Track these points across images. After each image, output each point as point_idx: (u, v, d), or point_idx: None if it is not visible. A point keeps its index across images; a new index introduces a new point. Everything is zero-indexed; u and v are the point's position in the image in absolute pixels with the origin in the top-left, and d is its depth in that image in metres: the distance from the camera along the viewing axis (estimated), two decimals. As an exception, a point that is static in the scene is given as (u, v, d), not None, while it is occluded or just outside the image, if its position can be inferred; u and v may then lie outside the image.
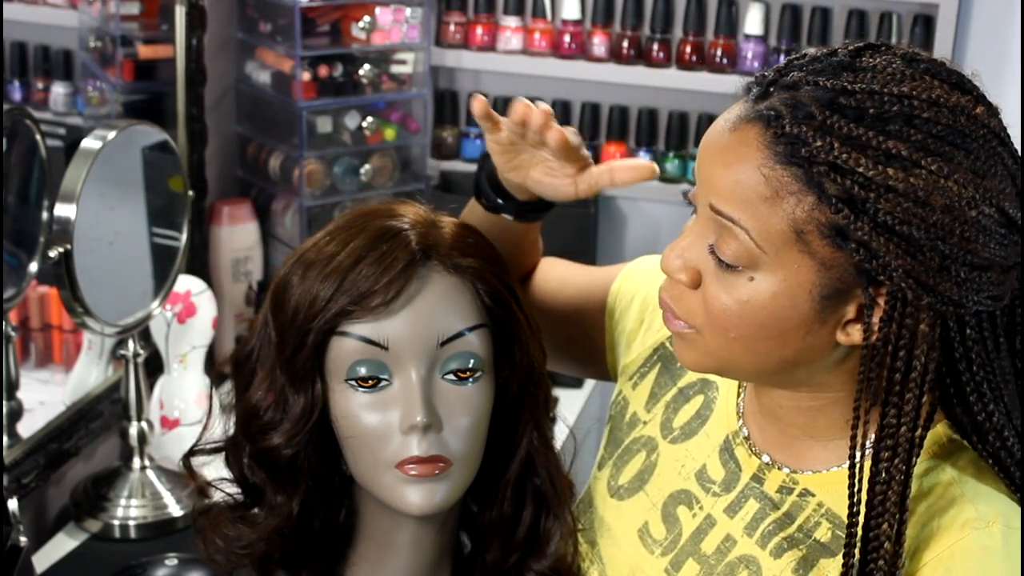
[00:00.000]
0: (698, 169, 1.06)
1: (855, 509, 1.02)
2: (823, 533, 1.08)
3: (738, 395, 1.19)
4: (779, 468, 1.13)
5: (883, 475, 1.01)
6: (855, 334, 1.02)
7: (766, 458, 1.14)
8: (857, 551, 1.02)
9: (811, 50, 1.05)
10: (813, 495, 1.10)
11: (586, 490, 1.28)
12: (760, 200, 0.99)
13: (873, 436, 1.05)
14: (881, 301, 1.00)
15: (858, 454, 1.03)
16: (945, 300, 0.99)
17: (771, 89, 1.02)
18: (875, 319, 1.00)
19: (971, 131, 0.99)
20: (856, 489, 1.02)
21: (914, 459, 1.02)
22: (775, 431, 1.13)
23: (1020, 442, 1.06)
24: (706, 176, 1.04)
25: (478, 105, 1.20)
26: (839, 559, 1.06)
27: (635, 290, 1.30)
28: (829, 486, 1.09)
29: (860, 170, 0.96)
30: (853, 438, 1.03)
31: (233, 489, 1.17)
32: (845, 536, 1.03)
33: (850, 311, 1.02)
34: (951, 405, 1.07)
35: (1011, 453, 1.06)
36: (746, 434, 1.16)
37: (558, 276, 1.29)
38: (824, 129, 0.98)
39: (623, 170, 1.21)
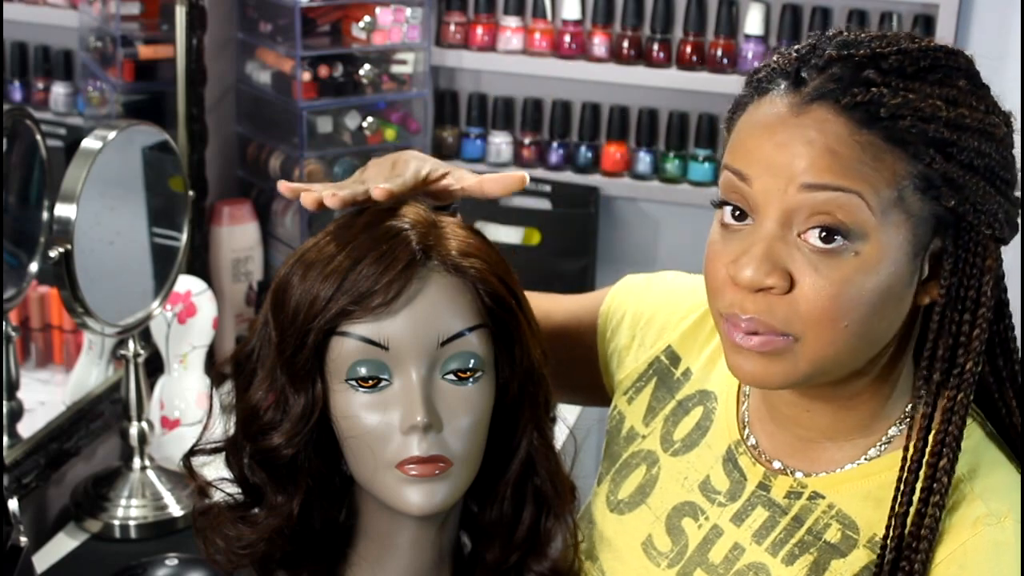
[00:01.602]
0: (763, 159, 1.01)
1: (914, 452, 1.04)
2: (833, 534, 1.08)
3: (739, 404, 1.18)
4: (788, 474, 1.12)
5: (943, 414, 1.03)
6: (932, 290, 1.04)
7: (776, 464, 1.13)
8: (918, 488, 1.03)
9: (799, 45, 1.06)
10: (823, 497, 1.10)
11: (585, 506, 1.27)
12: (863, 165, 0.98)
13: (893, 430, 1.08)
14: (955, 248, 1.02)
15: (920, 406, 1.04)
16: (1010, 224, 1.04)
17: (803, 75, 1.02)
18: (948, 264, 1.03)
19: (976, 72, 1.05)
20: (921, 435, 1.04)
21: (971, 397, 1.04)
22: (789, 437, 1.13)
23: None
24: (784, 161, 1.00)
25: (285, 190, 1.16)
26: (850, 559, 1.06)
27: (624, 308, 1.29)
28: (840, 486, 1.09)
29: (941, 115, 0.99)
30: (922, 385, 1.04)
31: (233, 489, 1.17)
32: (903, 472, 1.03)
33: (925, 269, 1.03)
34: (993, 353, 1.09)
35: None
36: (753, 443, 1.15)
37: (541, 311, 1.26)
38: (891, 87, 0.99)
39: (492, 182, 1.18)
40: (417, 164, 1.16)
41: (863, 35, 1.04)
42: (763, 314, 1.01)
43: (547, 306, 1.30)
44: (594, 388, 1.32)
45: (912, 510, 1.02)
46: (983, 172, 1.01)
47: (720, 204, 1.05)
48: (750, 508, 1.13)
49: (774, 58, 1.06)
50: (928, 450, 1.03)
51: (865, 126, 0.99)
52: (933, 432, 1.03)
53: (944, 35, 2.35)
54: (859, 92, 0.99)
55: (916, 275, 1.03)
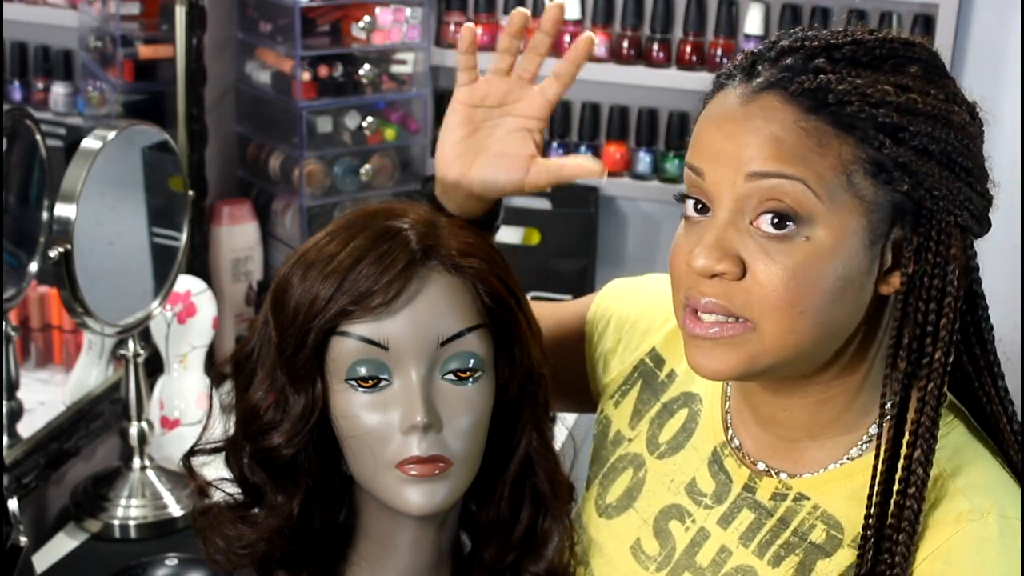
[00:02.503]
0: (714, 151, 1.03)
1: (886, 445, 1.03)
2: (818, 535, 1.08)
3: (723, 405, 1.18)
4: (772, 475, 1.12)
5: (915, 405, 1.02)
6: (894, 280, 1.03)
7: (761, 466, 1.13)
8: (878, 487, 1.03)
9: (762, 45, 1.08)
10: (808, 498, 1.10)
11: (575, 511, 1.26)
12: (808, 151, 0.99)
13: (873, 428, 1.07)
14: (916, 236, 1.02)
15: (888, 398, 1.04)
16: (975, 215, 1.03)
17: (757, 67, 1.03)
18: (911, 253, 1.02)
19: (940, 62, 1.05)
20: (892, 425, 1.03)
21: (945, 388, 1.03)
22: (771, 438, 1.13)
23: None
24: (731, 151, 1.01)
25: (468, 34, 1.22)
26: (836, 559, 1.06)
27: (610, 312, 1.30)
28: (824, 486, 1.09)
29: (890, 99, 0.99)
30: (888, 375, 1.03)
31: (233, 489, 1.17)
32: (879, 472, 1.03)
33: (887, 258, 1.03)
34: (970, 342, 1.09)
35: (1008, 401, 1.10)
36: (737, 444, 1.15)
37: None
38: (839, 74, 1.00)
39: (572, 167, 1.21)
40: None
41: (825, 31, 1.05)
42: (720, 297, 1.02)
43: (536, 314, 1.30)
44: (584, 394, 1.32)
45: (892, 502, 1.02)
46: (938, 157, 1.00)
47: (682, 198, 1.06)
48: (736, 510, 1.13)
49: (738, 56, 1.08)
50: (904, 441, 1.02)
51: (812, 112, 0.99)
52: (908, 424, 1.03)
53: (944, 35, 2.36)
54: (807, 79, 1.00)
55: (876, 263, 1.02)
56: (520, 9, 1.21)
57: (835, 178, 0.99)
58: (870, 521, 1.02)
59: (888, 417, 1.03)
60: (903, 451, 1.02)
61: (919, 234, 1.02)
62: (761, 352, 1.02)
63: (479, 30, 2.58)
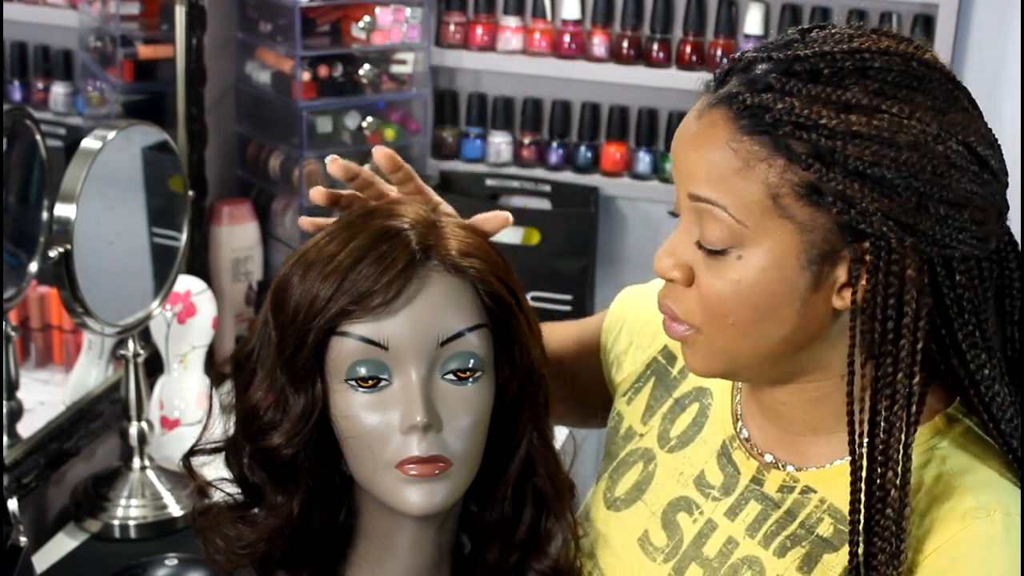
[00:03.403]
0: (674, 166, 1.07)
1: (857, 471, 1.03)
2: (825, 528, 1.08)
3: (733, 398, 1.19)
4: (780, 467, 1.13)
5: (883, 425, 1.02)
6: (848, 296, 1.03)
7: (768, 458, 1.14)
8: (862, 507, 1.02)
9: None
10: (815, 491, 1.10)
11: (584, 504, 1.28)
12: (733, 174, 1.01)
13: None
14: (866, 256, 1.00)
15: (856, 416, 1.03)
16: (929, 239, 1.00)
17: (728, 77, 1.04)
18: (863, 272, 1.01)
19: (925, 73, 1.01)
20: (857, 456, 1.03)
21: (914, 408, 1.02)
22: (777, 430, 1.13)
23: (1019, 410, 1.07)
24: (681, 167, 1.05)
25: (318, 197, 1.22)
26: (842, 553, 1.06)
27: (622, 317, 1.32)
28: (831, 481, 1.09)
29: (823, 122, 0.98)
30: (849, 395, 1.03)
31: (233, 489, 1.17)
32: (850, 502, 1.03)
33: (840, 275, 1.02)
34: (948, 356, 1.06)
35: (1001, 409, 1.07)
36: (746, 436, 1.16)
37: (555, 338, 1.30)
38: (783, 93, 1.00)
39: (488, 223, 1.21)
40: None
41: (820, 34, 1.04)
42: (671, 300, 1.08)
43: (556, 333, 1.33)
44: (602, 404, 1.33)
45: (871, 523, 1.02)
46: (876, 179, 0.98)
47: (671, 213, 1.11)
48: (744, 502, 1.14)
49: (726, 61, 1.08)
50: (870, 466, 1.02)
51: (748, 132, 1.00)
52: (879, 446, 1.02)
53: (944, 35, 2.36)
54: (749, 96, 1.00)
55: (822, 280, 1.02)
56: (332, 158, 1.22)
57: (760, 201, 1.00)
58: (855, 542, 1.03)
59: (859, 434, 1.03)
60: (875, 473, 1.02)
61: (868, 253, 1.00)
62: (711, 355, 1.07)
63: (479, 30, 2.60)
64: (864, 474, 1.02)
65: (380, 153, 1.22)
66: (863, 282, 1.01)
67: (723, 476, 1.16)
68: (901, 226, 0.99)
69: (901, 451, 1.01)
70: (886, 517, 1.01)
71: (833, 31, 1.04)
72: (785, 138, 0.99)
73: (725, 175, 1.01)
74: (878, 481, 1.02)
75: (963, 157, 1.00)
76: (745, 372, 1.10)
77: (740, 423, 1.17)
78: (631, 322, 1.31)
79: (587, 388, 1.33)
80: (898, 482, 1.01)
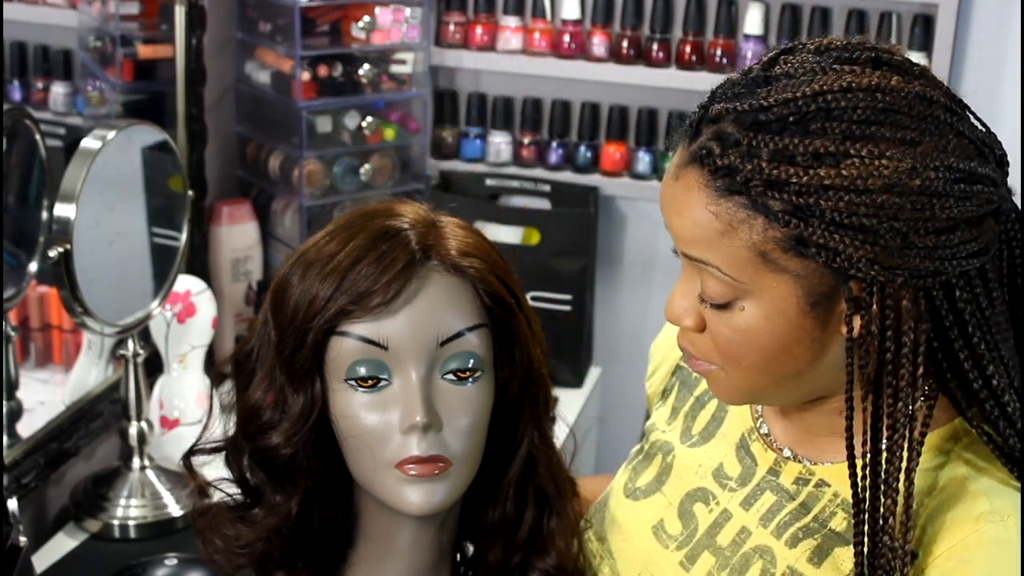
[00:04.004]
0: (665, 223, 1.08)
1: (859, 494, 1.04)
2: (839, 523, 1.09)
3: None
4: (797, 460, 1.14)
5: (884, 454, 1.03)
6: (856, 324, 1.03)
7: (786, 452, 1.15)
8: (866, 527, 1.03)
9: (733, 75, 1.06)
10: (829, 485, 1.11)
11: (603, 494, 1.30)
12: (718, 236, 1.02)
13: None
14: (861, 294, 1.01)
15: (856, 444, 1.04)
16: (919, 274, 1.00)
17: (700, 127, 1.04)
18: (857, 309, 1.01)
19: (891, 104, 0.99)
20: (860, 477, 1.04)
21: (916, 433, 1.02)
22: (798, 430, 1.15)
23: (1020, 401, 1.06)
24: (670, 228, 1.07)
25: None
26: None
27: (656, 357, 1.35)
28: (845, 476, 1.09)
29: (793, 180, 0.98)
30: (849, 428, 1.04)
31: (233, 489, 1.17)
32: (854, 518, 1.04)
33: (844, 307, 1.03)
34: (944, 380, 1.06)
35: (1010, 420, 1.06)
36: (765, 431, 1.18)
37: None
38: (751, 152, 0.99)
39: None
40: None
41: (774, 72, 1.02)
42: (687, 343, 1.10)
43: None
44: None
45: (873, 543, 1.03)
46: (855, 227, 0.98)
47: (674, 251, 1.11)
48: (759, 493, 1.15)
49: (709, 92, 1.06)
50: (872, 495, 1.03)
51: (724, 195, 1.01)
52: (880, 475, 1.03)
53: (944, 35, 2.35)
54: (719, 157, 1.00)
55: (825, 317, 1.03)
56: None
57: (749, 258, 1.01)
58: (861, 560, 1.04)
59: (860, 459, 1.04)
60: (875, 502, 1.03)
61: (862, 291, 1.01)
62: (735, 388, 1.09)
63: (479, 30, 2.59)
64: (867, 504, 1.03)
65: None
66: (858, 319, 1.02)
67: (741, 467, 1.17)
68: (887, 268, 0.99)
69: (902, 478, 1.02)
70: (884, 544, 1.02)
71: (799, 64, 1.02)
72: (760, 197, 0.99)
73: (710, 237, 1.02)
74: (881, 510, 1.03)
75: (944, 181, 0.99)
76: (770, 399, 1.13)
77: (760, 419, 1.19)
78: (659, 350, 1.34)
79: None
80: (896, 510, 1.02)
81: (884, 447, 1.03)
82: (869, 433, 1.04)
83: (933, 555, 1.03)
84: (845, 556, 1.08)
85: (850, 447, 1.04)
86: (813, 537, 1.10)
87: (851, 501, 1.08)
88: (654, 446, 1.26)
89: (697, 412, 1.25)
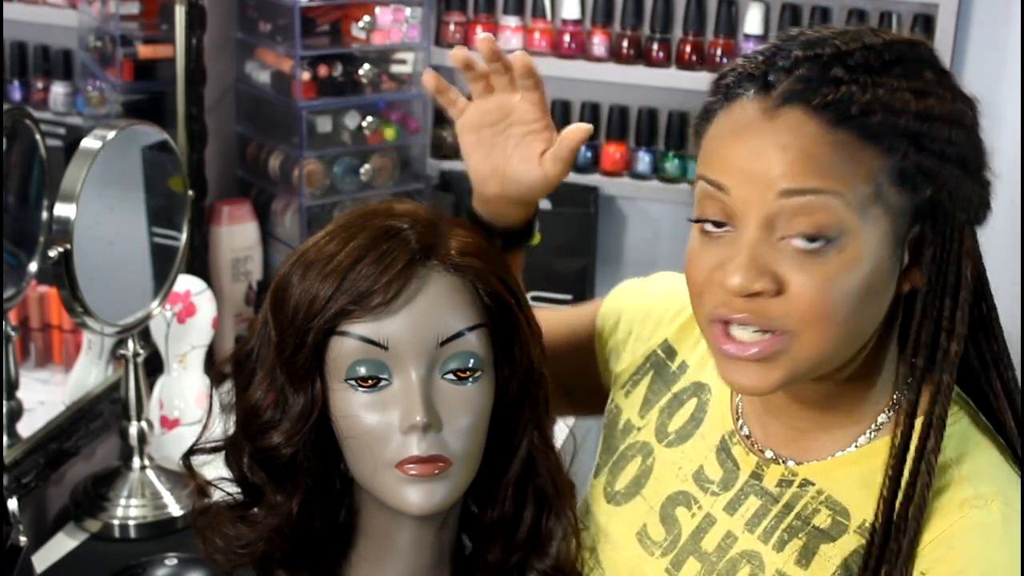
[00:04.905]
0: (740, 167, 1.02)
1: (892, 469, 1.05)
2: (822, 520, 1.09)
3: (733, 396, 1.19)
4: (779, 463, 1.13)
5: (941, 384, 1.05)
6: (914, 277, 1.05)
7: (768, 454, 1.14)
8: (905, 476, 1.04)
9: (763, 47, 1.07)
10: (813, 484, 1.11)
11: (583, 498, 1.28)
12: (837, 164, 0.99)
13: (882, 417, 1.09)
14: (933, 234, 1.04)
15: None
16: (983, 207, 1.05)
17: (770, 78, 1.02)
18: (929, 251, 1.04)
19: (936, 58, 1.06)
20: (902, 431, 1.05)
21: (954, 381, 1.06)
22: (780, 427, 1.14)
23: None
24: (761, 168, 1.00)
25: (430, 81, 1.26)
26: (840, 543, 1.07)
27: (620, 307, 1.32)
28: (831, 472, 1.10)
29: (910, 107, 1.00)
30: (908, 372, 1.06)
31: (233, 489, 1.17)
32: (892, 463, 1.05)
33: (906, 258, 1.04)
34: (980, 336, 1.10)
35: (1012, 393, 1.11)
36: (746, 433, 1.17)
37: (541, 324, 1.29)
38: (859, 84, 1.00)
39: (568, 140, 1.22)
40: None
41: (826, 32, 1.05)
42: (754, 314, 1.02)
43: (544, 317, 1.31)
44: (594, 395, 1.33)
45: (901, 493, 1.03)
46: (955, 159, 1.02)
47: (697, 221, 1.06)
48: (743, 497, 1.14)
49: (739, 61, 1.07)
50: (916, 434, 1.04)
51: (837, 125, 1.00)
52: (921, 416, 1.05)
53: (944, 35, 2.36)
54: (829, 91, 1.00)
55: (898, 264, 1.04)
56: (486, 36, 1.23)
57: (866, 189, 1.00)
58: (879, 512, 1.04)
59: (904, 413, 1.05)
60: (914, 442, 1.04)
61: (937, 233, 1.04)
62: (799, 361, 1.03)
63: (479, 30, 2.59)
64: (915, 444, 1.04)
65: (519, 61, 1.22)
66: (929, 261, 1.04)
67: (722, 471, 1.16)
68: (968, 201, 1.04)
69: (940, 421, 1.04)
70: (920, 485, 1.03)
71: (838, 28, 1.06)
72: (875, 127, 1.00)
73: (831, 166, 0.99)
74: (917, 452, 1.04)
75: (976, 118, 1.06)
76: (822, 371, 1.06)
77: (741, 420, 1.17)
78: (631, 312, 1.30)
79: (572, 373, 1.31)
80: (936, 450, 1.04)
81: (933, 391, 1.05)
82: (914, 376, 1.05)
83: (922, 543, 1.03)
84: (831, 553, 1.08)
85: (909, 388, 1.06)
86: (798, 536, 1.09)
87: (836, 498, 1.09)
88: (631, 447, 1.24)
89: (675, 410, 1.23)
